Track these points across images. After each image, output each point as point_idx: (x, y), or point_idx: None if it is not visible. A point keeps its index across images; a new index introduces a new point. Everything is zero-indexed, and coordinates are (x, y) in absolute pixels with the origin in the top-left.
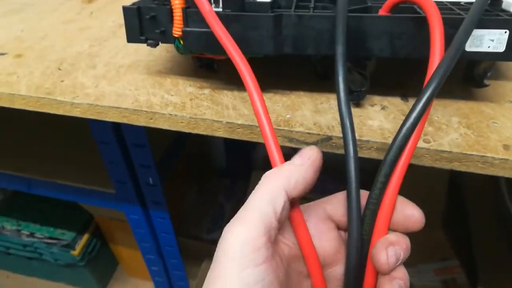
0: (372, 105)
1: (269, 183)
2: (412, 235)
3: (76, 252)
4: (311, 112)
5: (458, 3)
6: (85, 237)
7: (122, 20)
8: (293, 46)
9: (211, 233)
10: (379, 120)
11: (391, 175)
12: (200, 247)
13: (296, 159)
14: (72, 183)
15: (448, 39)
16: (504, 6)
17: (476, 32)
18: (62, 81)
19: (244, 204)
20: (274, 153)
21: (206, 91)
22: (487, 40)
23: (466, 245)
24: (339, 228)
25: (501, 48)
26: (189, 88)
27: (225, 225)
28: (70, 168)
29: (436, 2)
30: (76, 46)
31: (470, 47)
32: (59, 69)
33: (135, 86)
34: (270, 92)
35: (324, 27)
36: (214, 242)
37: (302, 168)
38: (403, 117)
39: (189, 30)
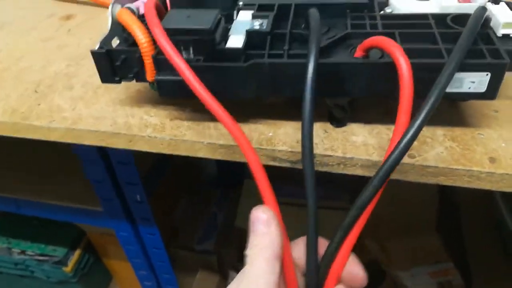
0: (355, 120)
1: (261, 258)
2: (406, 239)
3: (68, 268)
4: (294, 130)
5: (444, 18)
6: (77, 252)
7: (100, 37)
8: (269, 89)
9: (204, 244)
10: (363, 135)
11: (343, 240)
12: (194, 258)
13: (260, 227)
14: (60, 202)
15: (426, 82)
16: (492, 24)
17: (457, 75)
18: (38, 104)
19: (244, 281)
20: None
21: (187, 109)
22: (468, 82)
23: (460, 249)
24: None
25: (482, 88)
26: (169, 107)
27: (218, 235)
28: (57, 187)
29: (420, 15)
30: (54, 66)
31: (449, 88)
32: (36, 91)
33: (113, 108)
34: (252, 110)
35: (299, 73)
36: (207, 253)
37: (274, 231)
38: (387, 131)
39: (162, 78)
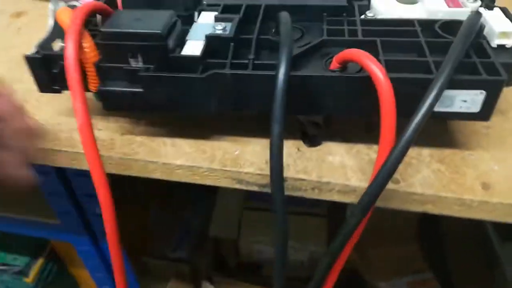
0: (332, 136)
1: None
2: (387, 248)
3: (29, 279)
4: (263, 148)
5: (432, 24)
6: (40, 261)
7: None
8: (232, 105)
9: (177, 251)
10: (340, 155)
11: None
12: (166, 266)
13: None
14: (14, 214)
15: (411, 99)
16: (486, 32)
17: (447, 93)
18: None
19: None
20: None
21: (141, 122)
22: (459, 101)
23: (441, 258)
24: None
25: (476, 108)
26: (121, 119)
27: (192, 242)
28: (12, 198)
29: (405, 21)
30: None
31: (438, 107)
32: None
33: (57, 120)
34: (215, 123)
35: (267, 86)
36: (180, 260)
37: None
38: (367, 151)
39: (107, 89)
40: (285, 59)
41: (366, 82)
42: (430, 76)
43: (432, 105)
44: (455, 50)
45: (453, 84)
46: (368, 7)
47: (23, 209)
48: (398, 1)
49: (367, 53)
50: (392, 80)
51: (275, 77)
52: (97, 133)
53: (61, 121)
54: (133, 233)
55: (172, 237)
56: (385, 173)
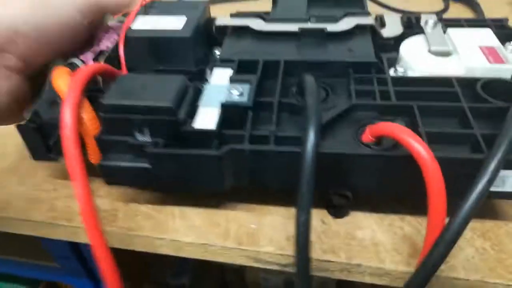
0: (359, 205)
1: None
2: None
3: None
4: (283, 220)
5: (473, 84)
6: None
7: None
8: (250, 181)
9: (178, 277)
10: (370, 228)
11: None
12: None
13: None
14: (13, 257)
15: (457, 178)
16: None
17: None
18: None
19: None
20: None
21: (148, 190)
22: None
23: None
24: None
25: None
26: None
27: (195, 268)
28: (9, 240)
29: (442, 80)
30: None
31: None
32: None
33: (54, 184)
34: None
35: (290, 163)
36: (181, 287)
37: None
38: (400, 223)
39: (109, 164)
40: (314, 136)
41: (407, 161)
42: (481, 156)
43: (486, 189)
44: (510, 124)
45: (508, 164)
46: (396, 60)
47: (23, 252)
48: (430, 53)
49: (408, 130)
50: (439, 160)
51: (301, 159)
52: (98, 201)
53: (57, 186)
54: (132, 258)
55: (173, 262)
56: (434, 266)
